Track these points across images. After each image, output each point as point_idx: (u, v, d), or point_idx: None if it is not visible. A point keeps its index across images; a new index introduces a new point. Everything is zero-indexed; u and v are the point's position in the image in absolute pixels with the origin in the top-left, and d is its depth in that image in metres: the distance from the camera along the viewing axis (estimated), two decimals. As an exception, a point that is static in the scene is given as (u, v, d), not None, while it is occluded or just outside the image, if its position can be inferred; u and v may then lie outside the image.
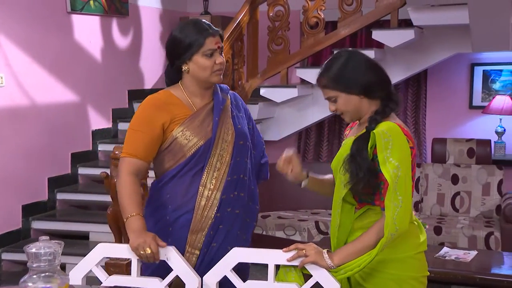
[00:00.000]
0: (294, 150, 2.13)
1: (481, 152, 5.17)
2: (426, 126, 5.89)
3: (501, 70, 5.69)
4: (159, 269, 2.06)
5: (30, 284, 1.59)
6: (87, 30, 5.01)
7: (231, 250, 2.00)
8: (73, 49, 4.88)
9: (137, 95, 5.58)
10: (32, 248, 1.61)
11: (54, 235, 4.27)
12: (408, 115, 5.91)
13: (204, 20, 2.25)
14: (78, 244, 4.27)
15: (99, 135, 5.16)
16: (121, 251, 2.11)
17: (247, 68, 5.30)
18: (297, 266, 1.92)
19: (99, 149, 5.14)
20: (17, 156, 4.36)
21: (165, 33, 6.00)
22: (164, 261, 2.03)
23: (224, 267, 1.98)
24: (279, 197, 5.09)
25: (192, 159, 2.20)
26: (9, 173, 4.31)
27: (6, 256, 4.28)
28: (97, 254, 2.06)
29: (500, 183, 5.06)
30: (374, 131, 1.90)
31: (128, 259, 2.87)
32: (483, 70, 5.73)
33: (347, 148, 1.99)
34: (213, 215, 2.22)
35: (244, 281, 1.99)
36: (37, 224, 4.49)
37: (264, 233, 4.85)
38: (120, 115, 5.39)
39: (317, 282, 1.89)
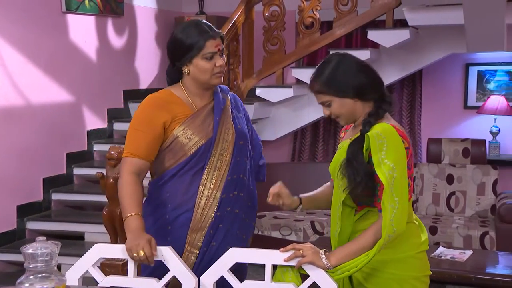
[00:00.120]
0: (280, 183, 2.15)
1: (476, 152, 5.19)
2: (421, 126, 5.91)
3: (495, 70, 5.71)
4: (158, 269, 2.05)
5: (26, 284, 1.58)
6: (82, 30, 4.99)
7: (228, 250, 2.00)
8: (68, 49, 4.87)
9: (133, 95, 5.57)
10: (29, 249, 1.60)
11: (49, 235, 4.24)
12: (403, 115, 5.92)
13: (205, 22, 2.24)
14: (74, 244, 4.25)
15: (94, 135, 5.14)
16: (118, 251, 2.10)
17: (243, 68, 5.30)
18: (294, 266, 1.92)
19: (94, 149, 5.13)
20: (12, 156, 4.34)
21: (160, 33, 6.00)
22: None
23: (221, 267, 1.98)
24: (275, 197, 5.08)
25: (192, 158, 2.21)
26: (4, 174, 4.29)
27: (1, 256, 4.26)
28: (94, 255, 2.06)
29: (495, 183, 5.07)
30: (368, 133, 1.91)
31: (124, 259, 2.88)
32: (478, 70, 5.75)
33: (343, 151, 1.99)
34: (213, 214, 2.22)
35: (242, 281, 1.99)
36: (32, 225, 4.48)
37: (260, 233, 4.85)
38: (116, 115, 5.38)
39: (314, 282, 1.90)
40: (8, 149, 4.31)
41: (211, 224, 2.22)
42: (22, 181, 4.45)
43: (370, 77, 1.99)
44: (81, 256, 2.07)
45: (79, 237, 4.43)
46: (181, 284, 1.98)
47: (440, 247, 3.93)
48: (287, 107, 5.38)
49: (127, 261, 2.06)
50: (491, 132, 5.53)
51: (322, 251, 1.91)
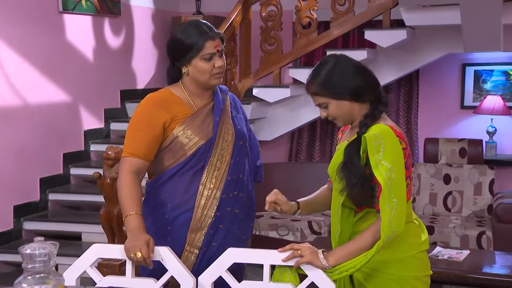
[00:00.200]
0: (276, 191, 2.14)
1: (473, 152, 5.20)
2: (418, 126, 5.92)
3: (492, 70, 5.72)
4: (158, 270, 2.04)
5: (25, 285, 1.58)
6: (79, 29, 4.98)
7: (226, 251, 2.00)
8: (65, 49, 4.86)
9: (130, 95, 5.56)
10: (27, 249, 1.60)
11: (46, 235, 4.20)
12: (400, 115, 5.93)
13: (206, 22, 2.24)
14: (71, 245, 4.24)
15: (91, 135, 5.13)
16: (115, 251, 2.10)
17: (240, 68, 5.30)
18: (292, 266, 1.92)
19: (91, 149, 5.12)
20: (8, 156, 4.33)
21: (157, 33, 5.99)
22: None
23: (219, 267, 1.98)
24: (272, 197, 5.09)
25: (193, 158, 2.21)
26: (0, 174, 4.28)
27: (-3, 257, 4.25)
28: (91, 255, 2.05)
29: (491, 182, 5.09)
30: (365, 134, 1.91)
31: (121, 259, 2.88)
32: (475, 70, 5.76)
33: (340, 153, 1.99)
34: (213, 214, 2.22)
35: (240, 281, 1.99)
36: (28, 225, 4.47)
37: (257, 233, 4.84)
38: (113, 115, 5.37)
39: (312, 282, 1.90)
40: (5, 149, 4.30)
41: (211, 224, 2.22)
42: (18, 181, 4.44)
43: (366, 78, 1.99)
44: (78, 257, 2.07)
45: (76, 237, 4.42)
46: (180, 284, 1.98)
47: (437, 247, 3.94)
48: (284, 107, 5.39)
49: (125, 261, 2.06)
50: (487, 132, 5.54)
51: (320, 251, 1.91)
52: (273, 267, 1.97)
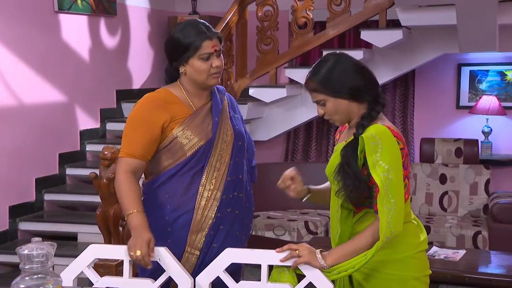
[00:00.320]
0: (294, 168, 2.13)
1: (468, 152, 5.22)
2: (414, 126, 5.93)
3: (487, 71, 5.74)
4: (157, 270, 2.03)
5: (22, 286, 1.57)
6: (74, 29, 4.97)
7: (224, 251, 2.00)
8: (60, 49, 4.84)
9: (126, 95, 5.55)
10: (25, 250, 1.59)
11: (42, 236, 4.16)
12: (396, 115, 5.94)
13: (203, 22, 2.23)
14: (67, 245, 4.22)
15: (87, 135, 5.12)
16: (113, 252, 2.09)
17: (236, 68, 5.30)
18: (290, 266, 1.92)
19: (87, 149, 5.10)
20: (4, 156, 4.31)
21: (153, 33, 5.98)
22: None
23: (217, 268, 1.98)
24: (268, 197, 5.08)
25: (192, 158, 2.20)
26: (-4, 174, 4.27)
27: (-7, 257, 4.23)
28: (89, 255, 2.05)
29: (487, 182, 5.10)
30: (362, 135, 1.90)
31: (118, 260, 2.87)
32: (470, 71, 5.78)
33: (338, 154, 1.99)
34: (213, 215, 2.21)
35: (236, 282, 1.99)
36: (24, 225, 4.45)
37: (253, 233, 4.84)
38: (108, 115, 5.36)
39: (310, 282, 1.89)
40: (0, 149, 4.28)
41: (212, 225, 2.21)
42: (14, 181, 4.42)
43: (366, 78, 1.98)
44: (74, 257, 2.06)
45: (72, 237, 4.41)
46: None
47: (434, 246, 3.95)
48: (280, 107, 5.39)
49: (121, 261, 2.05)
50: (483, 132, 5.56)
51: (318, 251, 1.90)
52: (270, 267, 1.97)
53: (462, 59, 5.77)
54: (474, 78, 5.77)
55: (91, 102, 5.18)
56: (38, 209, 4.63)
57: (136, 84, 5.79)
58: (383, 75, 5.18)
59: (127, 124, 2.21)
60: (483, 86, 5.76)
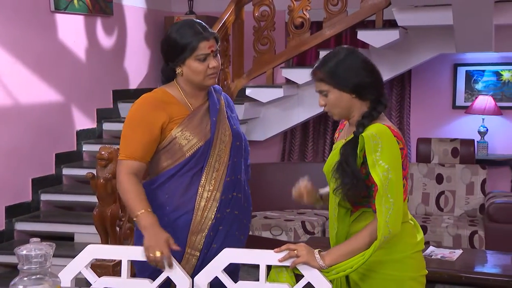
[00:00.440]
0: (308, 178, 2.16)
1: (465, 151, 5.23)
2: (410, 126, 5.94)
3: (483, 71, 5.76)
4: (157, 271, 2.02)
5: (20, 286, 1.57)
6: (71, 29, 4.96)
7: (222, 251, 1.99)
8: (57, 49, 4.83)
9: (122, 95, 5.54)
10: (23, 250, 1.59)
11: (38, 236, 4.16)
12: (392, 115, 5.95)
13: (200, 22, 2.21)
14: (63, 245, 4.21)
15: (83, 136, 5.11)
16: (111, 252, 2.09)
17: (233, 68, 5.30)
18: (288, 266, 1.92)
19: (83, 149, 5.10)
20: (0, 156, 4.30)
21: (150, 32, 5.97)
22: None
23: (215, 268, 1.97)
24: (265, 197, 5.09)
25: (191, 159, 2.19)
26: (-8, 174, 4.25)
27: (-11, 258, 4.22)
28: (87, 256, 2.04)
29: (483, 182, 5.11)
30: (363, 134, 1.91)
31: (115, 260, 2.87)
32: (466, 71, 5.79)
33: (337, 152, 1.99)
34: (213, 216, 2.20)
35: (234, 282, 1.99)
36: (20, 226, 4.44)
37: (250, 233, 4.84)
38: (105, 115, 5.35)
39: (308, 282, 1.89)
40: (-3, 149, 4.28)
41: (212, 226, 2.21)
42: (10, 181, 4.41)
43: (372, 77, 1.99)
44: (71, 258, 2.05)
45: (69, 238, 4.40)
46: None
47: (430, 246, 3.96)
48: (277, 107, 5.39)
49: (118, 262, 2.04)
50: (479, 132, 5.57)
51: (316, 251, 1.90)
52: (269, 268, 1.97)
53: (458, 59, 5.79)
54: (470, 78, 5.79)
55: (87, 102, 5.18)
56: (35, 209, 4.62)
57: (133, 84, 5.78)
58: (380, 75, 5.19)
59: (125, 125, 2.19)
60: (479, 86, 5.77)
